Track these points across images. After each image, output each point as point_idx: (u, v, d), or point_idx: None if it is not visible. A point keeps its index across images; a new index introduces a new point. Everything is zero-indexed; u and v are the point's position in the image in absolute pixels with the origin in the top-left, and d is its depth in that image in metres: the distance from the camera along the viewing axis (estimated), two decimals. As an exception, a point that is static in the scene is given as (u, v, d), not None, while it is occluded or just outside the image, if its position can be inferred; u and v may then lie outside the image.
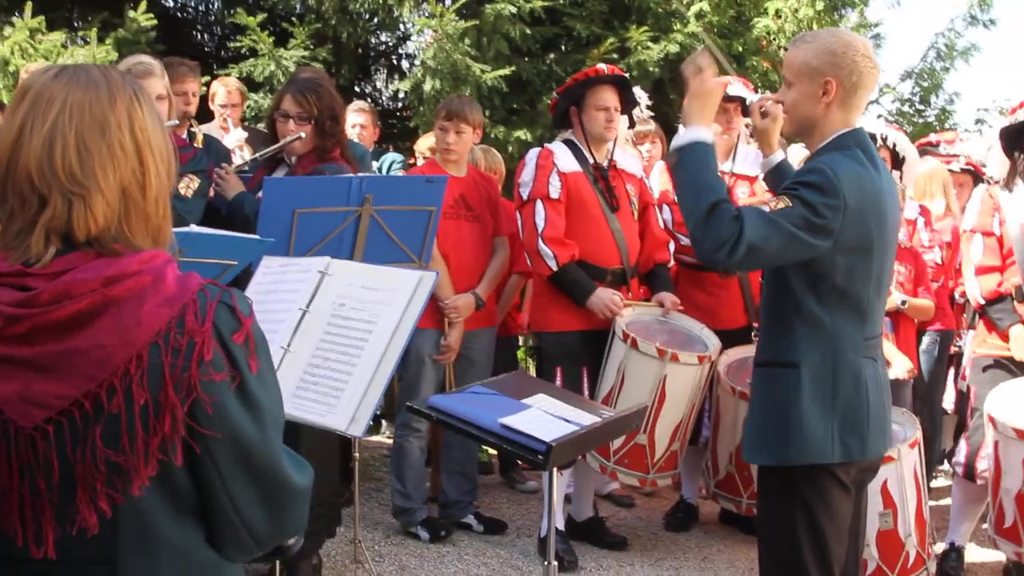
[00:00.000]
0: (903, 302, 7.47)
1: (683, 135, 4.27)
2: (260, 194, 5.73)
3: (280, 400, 2.40)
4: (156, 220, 2.33)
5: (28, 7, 10.50)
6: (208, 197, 6.39)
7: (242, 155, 7.79)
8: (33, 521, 2.23)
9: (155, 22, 10.77)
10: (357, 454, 6.05)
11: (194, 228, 4.73)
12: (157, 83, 6.08)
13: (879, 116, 14.68)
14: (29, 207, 2.22)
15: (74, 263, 2.22)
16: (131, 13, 10.71)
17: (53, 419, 2.19)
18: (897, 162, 7.62)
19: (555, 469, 4.22)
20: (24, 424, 2.19)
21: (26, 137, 2.22)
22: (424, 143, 8.89)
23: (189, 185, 6.12)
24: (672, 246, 7.35)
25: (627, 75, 7.45)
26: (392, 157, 9.60)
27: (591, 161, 7.01)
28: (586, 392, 6.75)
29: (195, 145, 7.20)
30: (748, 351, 6.81)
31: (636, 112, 7.88)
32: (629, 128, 8.04)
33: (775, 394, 4.25)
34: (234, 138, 8.25)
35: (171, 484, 2.25)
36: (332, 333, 4.17)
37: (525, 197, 6.95)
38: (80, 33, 11.18)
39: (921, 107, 16.17)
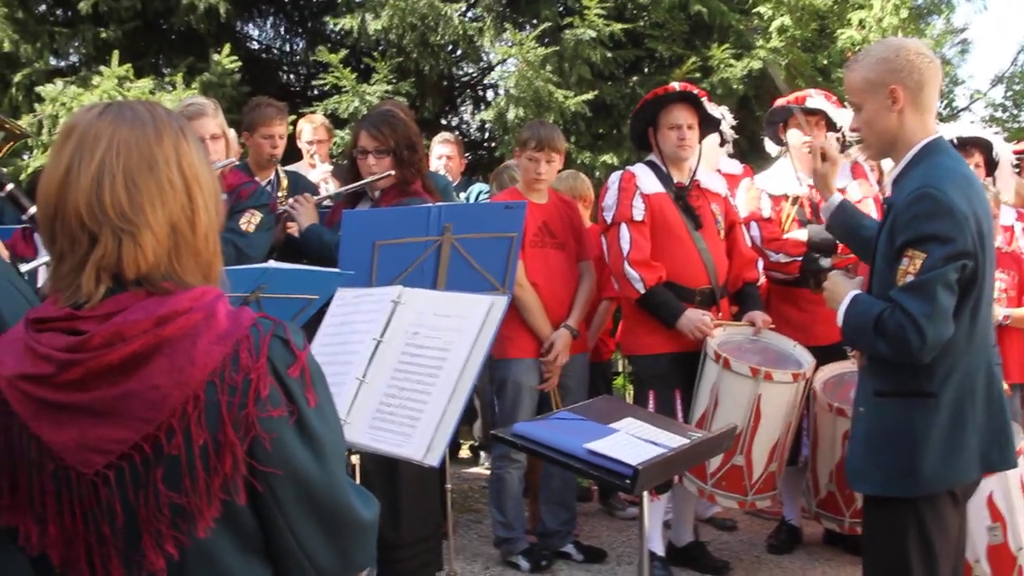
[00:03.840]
0: (1005, 317, 7.28)
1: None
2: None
3: (340, 432, 2.37)
4: (206, 256, 2.31)
5: (115, 55, 10.66)
6: (287, 231, 6.40)
7: (327, 188, 7.82)
8: (101, 567, 2.21)
9: (240, 64, 10.88)
10: (450, 485, 6.00)
11: (273, 264, 4.73)
12: (210, 123, 6.11)
13: (971, 122, 14.45)
14: (79, 246, 2.20)
15: (125, 303, 2.19)
16: (215, 56, 10.82)
17: (113, 464, 2.16)
18: (991, 166, 7.46)
19: (649, 493, 4.15)
20: (85, 471, 2.17)
21: (73, 176, 2.20)
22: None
23: (251, 220, 6.14)
24: (761, 263, 7.23)
25: (707, 93, 7.34)
26: (480, 187, 9.59)
27: (673, 181, 6.92)
28: (680, 415, 6.66)
29: (280, 192, 7.23)
30: (844, 367, 6.68)
31: (724, 130, 7.80)
32: (721, 145, 7.98)
33: (905, 424, 4.20)
34: (320, 172, 8.29)
35: (236, 523, 2.22)
36: (406, 362, 4.13)
37: (609, 220, 6.89)
38: (167, 79, 11.32)
39: (1016, 111, 15.90)
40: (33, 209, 3.59)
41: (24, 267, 4.56)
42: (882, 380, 4.28)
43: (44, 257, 4.70)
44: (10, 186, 3.56)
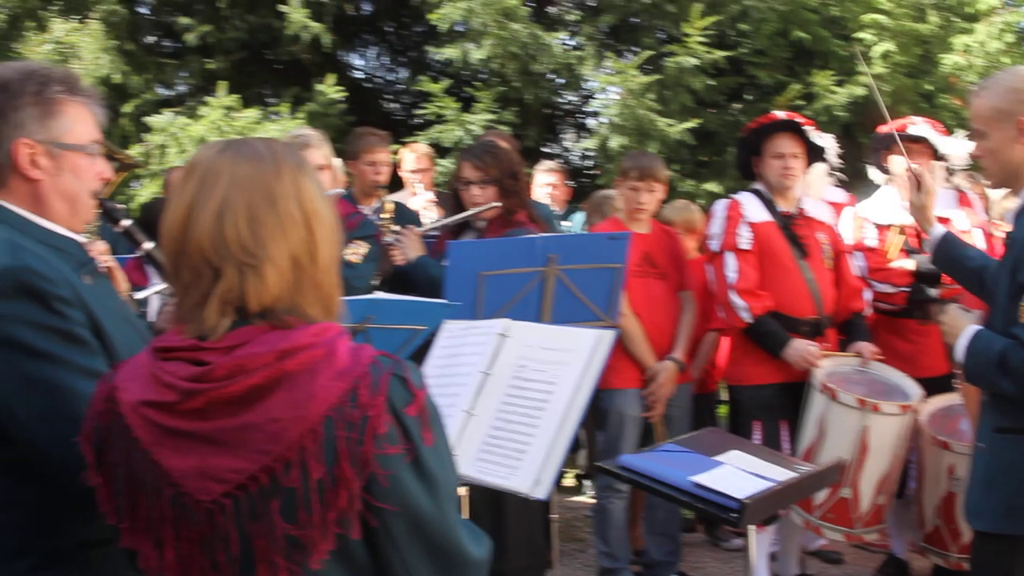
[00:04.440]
0: None
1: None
2: (447, 260, 5.77)
3: (455, 471, 2.38)
4: (327, 288, 2.35)
5: (222, 86, 10.83)
6: (394, 263, 6.45)
7: (429, 216, 7.86)
8: None
9: (345, 94, 10.99)
10: (555, 515, 5.99)
11: (381, 295, 4.76)
12: (316, 154, 6.18)
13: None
14: (203, 280, 2.25)
15: (248, 336, 2.24)
16: (320, 86, 10.94)
17: (231, 493, 2.20)
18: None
19: (755, 527, 4.11)
20: (202, 498, 2.22)
21: (196, 212, 2.26)
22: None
23: (356, 251, 6.19)
24: (868, 294, 7.14)
25: (814, 121, 7.27)
26: (583, 216, 9.60)
27: (779, 210, 6.87)
28: (786, 446, 6.60)
29: (384, 216, 7.29)
30: (951, 399, 6.58)
31: (829, 158, 7.75)
32: (830, 174, 7.93)
33: None
34: (421, 200, 8.34)
35: (348, 557, 2.24)
36: (513, 395, 4.13)
37: (715, 249, 6.86)
38: (272, 109, 11.48)
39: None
40: (148, 244, 3.66)
41: (138, 295, 4.64)
42: (1003, 416, 4.22)
43: (157, 286, 4.79)
44: (127, 222, 3.62)
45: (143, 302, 4.67)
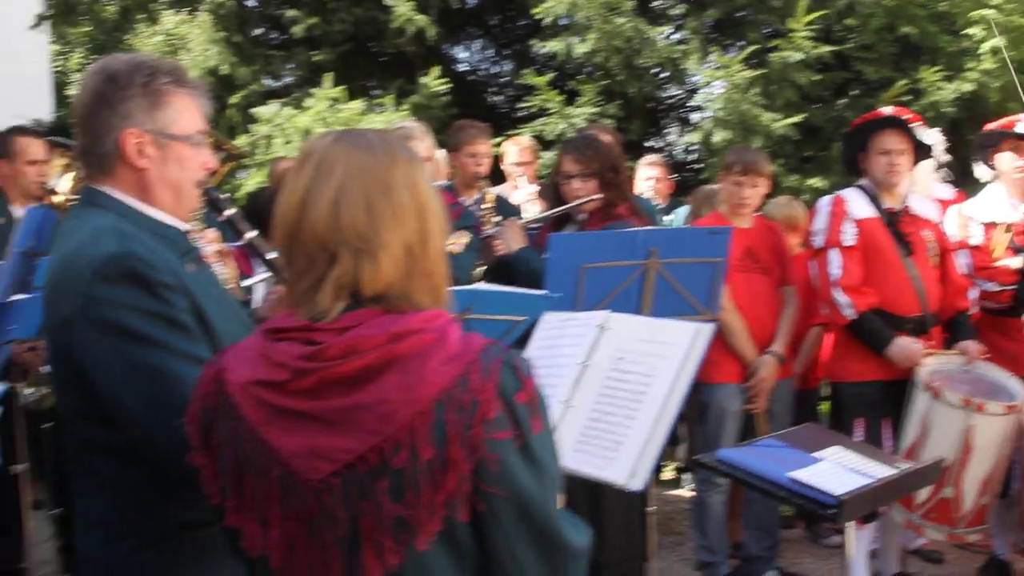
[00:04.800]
0: None
1: None
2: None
3: (558, 460, 2.39)
4: (437, 278, 2.39)
5: (327, 78, 10.92)
6: (495, 254, 6.47)
7: (533, 210, 7.88)
8: (320, 573, 2.28)
9: (449, 86, 11.04)
10: (653, 507, 5.98)
11: (482, 286, 4.80)
12: (419, 145, 6.24)
13: None
14: (317, 265, 2.30)
15: (361, 319, 2.27)
16: (424, 79, 11.00)
17: (339, 472, 2.23)
18: None
19: (854, 524, 4.09)
20: (310, 477, 2.25)
21: (312, 198, 2.30)
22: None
23: (457, 241, 6.24)
24: (974, 292, 7.05)
25: (918, 117, 7.17)
26: (687, 210, 9.56)
27: (884, 206, 6.80)
28: (888, 444, 6.53)
29: (485, 206, 7.32)
30: (1058, 399, 6.48)
31: (936, 155, 7.65)
32: (937, 170, 7.83)
33: None
34: (524, 193, 8.35)
35: (454, 541, 2.26)
36: (611, 387, 4.14)
37: (818, 245, 6.81)
38: (377, 101, 11.56)
39: None
40: (251, 233, 3.71)
41: (244, 283, 4.71)
42: None
43: (261, 275, 4.86)
44: (231, 211, 3.67)
45: (248, 290, 4.74)
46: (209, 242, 4.51)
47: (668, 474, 9.95)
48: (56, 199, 6.94)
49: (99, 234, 3.01)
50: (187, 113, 3.18)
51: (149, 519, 3.06)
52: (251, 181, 11.07)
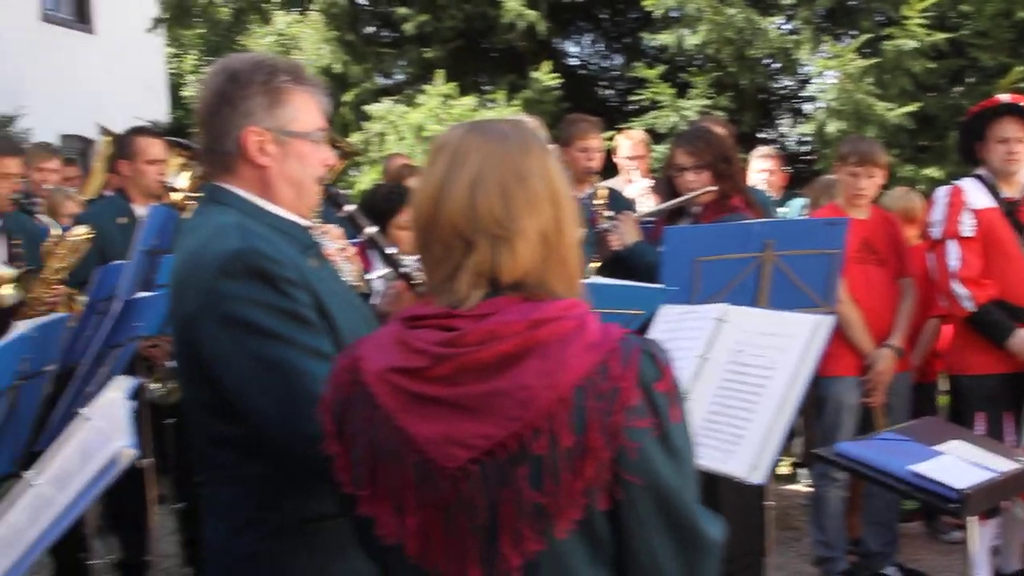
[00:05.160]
0: None
1: None
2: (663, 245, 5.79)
3: (694, 451, 2.37)
4: (571, 266, 2.38)
5: (439, 74, 10.99)
6: (611, 248, 6.47)
7: (647, 203, 7.86)
8: (457, 561, 2.27)
9: (560, 80, 11.06)
10: (771, 503, 5.96)
11: (597, 279, 4.80)
12: None
13: None
14: (454, 253, 2.30)
15: (499, 306, 2.28)
16: (535, 73, 11.03)
17: (477, 460, 2.23)
18: None
19: (976, 519, 4.04)
20: (447, 464, 2.24)
21: (448, 187, 2.31)
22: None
23: None
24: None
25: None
26: (801, 201, 9.48)
27: (1003, 196, 6.70)
28: (1010, 438, 6.44)
29: (597, 201, 7.32)
30: None
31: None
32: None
33: None
34: (638, 187, 8.34)
35: (591, 530, 2.24)
36: (730, 380, 4.13)
37: (936, 237, 6.73)
38: (488, 96, 11.62)
39: None
40: (371, 229, 3.75)
41: (367, 276, 4.76)
42: None
43: (380, 271, 4.91)
44: (350, 207, 3.71)
45: (370, 285, 4.80)
46: (334, 238, 4.56)
47: (784, 469, 9.87)
48: (174, 197, 7.06)
49: (223, 230, 3.06)
50: (306, 110, 3.22)
51: (272, 511, 3.11)
52: (365, 178, 11.17)
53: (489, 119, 2.47)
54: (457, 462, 2.24)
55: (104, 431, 2.00)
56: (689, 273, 5.51)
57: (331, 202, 3.69)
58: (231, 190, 3.19)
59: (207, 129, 3.22)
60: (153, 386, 6.33)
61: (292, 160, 3.20)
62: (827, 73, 11.30)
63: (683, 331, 4.37)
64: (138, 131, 7.19)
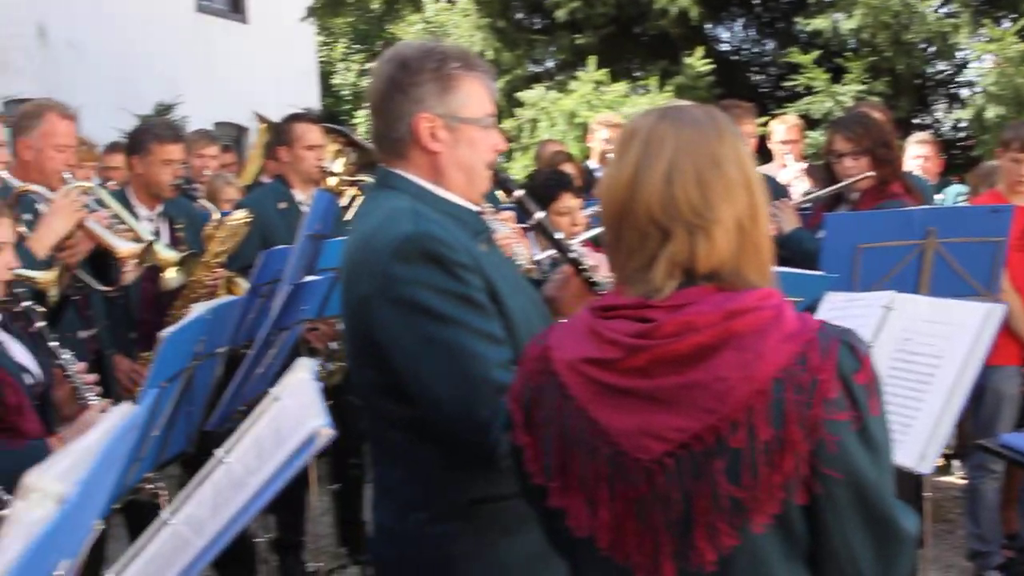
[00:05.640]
0: None
1: None
2: (821, 232, 5.74)
3: (891, 443, 2.31)
4: (764, 254, 2.34)
5: (592, 61, 11.00)
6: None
7: (800, 188, 7.80)
8: (650, 554, 2.26)
9: (712, 66, 11.01)
10: (928, 494, 5.87)
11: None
12: None
13: None
14: (650, 242, 2.28)
15: (694, 297, 2.25)
16: (688, 59, 10.99)
17: (672, 453, 2.21)
18: None
19: None
20: (641, 457, 2.23)
21: (643, 176, 2.28)
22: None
23: None
24: None
25: None
26: (957, 188, 9.32)
27: None
28: None
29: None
30: None
31: None
32: None
33: None
34: (791, 172, 8.28)
35: (787, 525, 2.21)
36: (898, 368, 4.09)
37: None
38: (640, 83, 11.60)
39: None
40: (539, 214, 3.77)
41: (536, 257, 4.78)
42: None
43: (540, 255, 4.94)
44: (519, 192, 3.74)
45: (541, 269, 4.83)
46: (505, 222, 4.60)
47: (937, 460, 9.73)
48: (329, 182, 7.16)
49: (396, 215, 3.11)
50: (476, 96, 3.25)
51: (442, 493, 3.15)
52: (516, 165, 11.23)
53: (678, 104, 2.40)
54: (651, 455, 2.22)
55: (296, 411, 2.05)
56: (849, 260, 5.46)
57: (501, 187, 3.72)
58: (403, 175, 3.23)
59: (379, 116, 3.27)
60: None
61: (463, 146, 3.22)
62: (985, 57, 11.08)
63: (849, 319, 4.32)
64: (296, 118, 7.29)
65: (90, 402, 4.09)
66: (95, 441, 2.12)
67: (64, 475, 1.91)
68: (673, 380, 2.21)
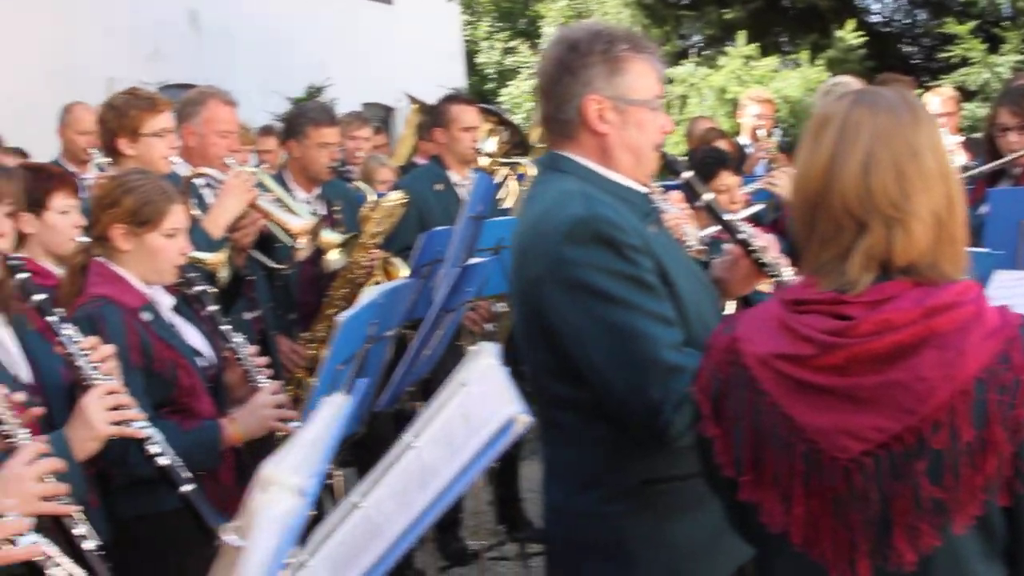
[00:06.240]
0: None
1: None
2: (983, 207, 5.62)
3: None
4: (960, 245, 2.28)
5: (741, 35, 10.90)
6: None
7: (958, 162, 7.65)
8: (846, 553, 2.23)
9: (864, 39, 10.84)
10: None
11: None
12: None
13: None
14: (845, 234, 2.24)
15: (891, 292, 2.20)
16: (839, 32, 10.84)
17: (871, 452, 2.17)
18: None
19: None
20: (839, 456, 2.19)
21: (839, 165, 2.25)
22: None
23: None
24: None
25: None
26: None
27: None
28: None
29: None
30: None
31: None
32: None
33: None
34: (947, 145, 8.11)
35: (987, 525, 2.17)
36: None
37: None
38: (790, 56, 11.47)
39: None
40: (707, 196, 3.76)
41: (702, 233, 4.76)
42: None
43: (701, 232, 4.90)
44: (688, 174, 3.73)
45: (708, 250, 4.81)
46: (675, 203, 4.59)
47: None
48: (482, 163, 7.18)
49: (566, 197, 3.13)
50: (645, 78, 3.25)
51: (613, 472, 3.17)
52: (667, 141, 11.17)
53: (872, 89, 2.34)
54: (849, 454, 2.19)
55: (486, 397, 2.05)
56: (1014, 236, 5.33)
57: (668, 168, 3.71)
58: (571, 158, 3.25)
59: (548, 98, 3.29)
60: (471, 349, 6.45)
61: (631, 128, 3.23)
62: None
63: (1020, 297, 4.23)
64: (452, 99, 7.34)
65: (260, 384, 4.18)
66: (318, 433, 2.17)
67: (298, 468, 1.96)
68: (871, 379, 2.17)
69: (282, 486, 1.84)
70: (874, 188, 2.21)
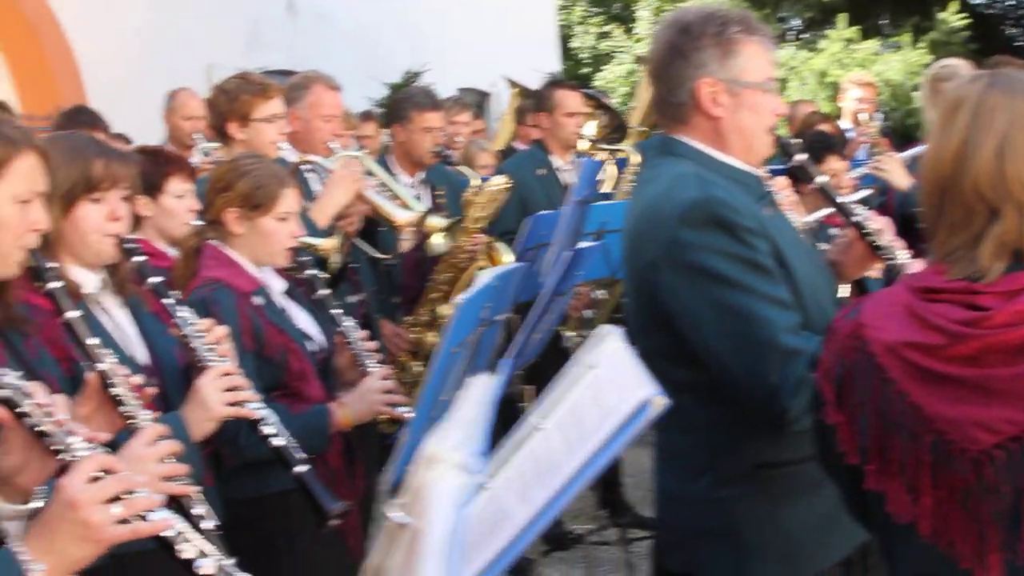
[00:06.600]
0: None
1: None
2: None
3: None
4: None
5: (842, 18, 10.79)
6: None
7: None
8: (975, 546, 2.18)
9: (968, 21, 10.70)
10: None
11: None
12: None
13: None
14: (976, 220, 2.19)
15: None
16: (941, 14, 10.70)
17: (1003, 445, 2.13)
18: None
19: None
20: (969, 447, 2.15)
21: (972, 149, 2.19)
22: None
23: None
24: None
25: None
26: None
27: None
28: None
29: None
30: None
31: None
32: None
33: None
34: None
35: None
36: None
37: None
38: (892, 39, 11.35)
39: None
40: (820, 179, 3.73)
41: (805, 219, 4.71)
42: None
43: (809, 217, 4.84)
44: (801, 156, 3.70)
45: (818, 234, 4.77)
46: (780, 189, 4.55)
47: None
48: (581, 146, 7.18)
49: (680, 180, 3.13)
50: (757, 60, 3.23)
51: (729, 457, 3.16)
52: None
53: (1007, 72, 2.27)
54: (981, 446, 2.14)
55: (616, 380, 2.05)
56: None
57: (782, 151, 3.69)
58: (684, 141, 3.24)
59: (660, 81, 3.29)
60: (568, 334, 6.45)
61: (744, 110, 3.22)
62: None
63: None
64: (556, 84, 7.36)
65: (370, 369, 4.21)
66: (473, 412, 2.18)
67: (459, 445, 1.98)
68: (1005, 371, 2.12)
69: (448, 463, 1.85)
70: (1009, 174, 2.16)
